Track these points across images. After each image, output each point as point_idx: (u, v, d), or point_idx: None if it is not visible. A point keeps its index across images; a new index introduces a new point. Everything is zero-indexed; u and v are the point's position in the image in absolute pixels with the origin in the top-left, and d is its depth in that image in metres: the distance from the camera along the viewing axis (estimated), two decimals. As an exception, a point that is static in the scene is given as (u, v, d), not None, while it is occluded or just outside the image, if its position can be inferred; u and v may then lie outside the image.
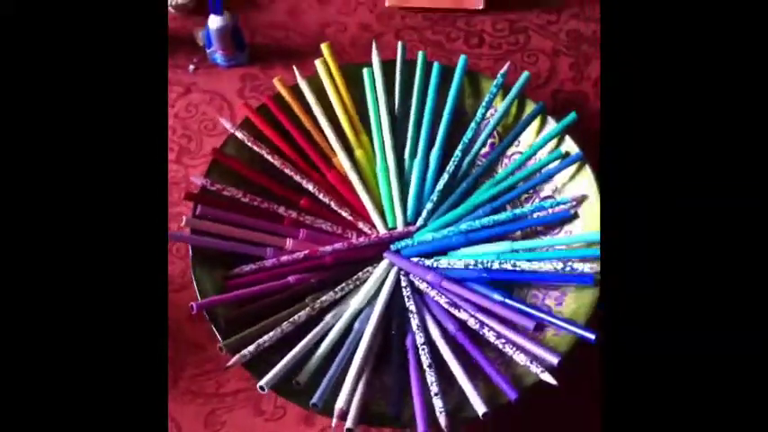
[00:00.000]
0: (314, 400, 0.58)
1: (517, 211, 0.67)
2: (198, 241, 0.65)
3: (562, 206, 0.66)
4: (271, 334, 0.61)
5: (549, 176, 0.68)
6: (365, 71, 0.73)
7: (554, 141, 0.69)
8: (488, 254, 0.66)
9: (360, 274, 0.67)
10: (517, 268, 0.64)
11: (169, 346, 0.66)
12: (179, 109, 0.79)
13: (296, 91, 0.73)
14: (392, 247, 0.69)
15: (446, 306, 0.64)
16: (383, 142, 0.72)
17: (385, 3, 0.85)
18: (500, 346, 0.61)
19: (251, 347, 0.60)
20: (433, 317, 0.65)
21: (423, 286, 0.66)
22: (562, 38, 0.83)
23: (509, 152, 0.71)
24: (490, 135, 0.71)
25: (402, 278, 0.67)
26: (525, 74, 0.71)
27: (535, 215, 0.67)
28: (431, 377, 0.59)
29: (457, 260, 0.66)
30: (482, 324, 0.62)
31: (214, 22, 0.77)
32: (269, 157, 0.70)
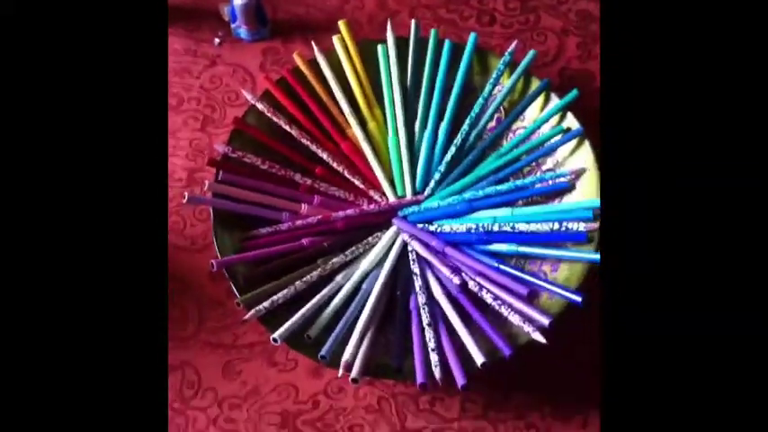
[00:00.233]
0: (322, 352, 0.61)
1: (518, 182, 0.70)
2: (219, 203, 0.69)
3: (561, 178, 0.69)
4: (285, 291, 0.65)
5: (551, 150, 0.71)
6: (380, 47, 0.76)
7: (556, 117, 0.72)
8: (489, 218, 0.69)
9: (369, 238, 0.71)
10: (516, 230, 0.67)
11: (191, 302, 0.71)
12: (204, 80, 0.82)
13: (314, 65, 0.76)
14: (399, 213, 0.73)
15: (447, 272, 0.67)
16: (395, 115, 0.75)
17: (402, -19, 0.87)
18: (497, 308, 0.64)
19: (266, 303, 0.64)
20: (437, 279, 0.68)
21: (426, 253, 0.69)
22: (571, 17, 0.86)
23: (514, 126, 0.74)
24: (497, 110, 0.74)
25: (408, 243, 0.71)
26: (531, 52, 0.74)
27: (536, 185, 0.70)
28: (429, 334, 0.63)
29: (459, 224, 0.69)
30: (481, 287, 0.66)
31: (238, -2, 0.81)
32: (287, 128, 0.74)
